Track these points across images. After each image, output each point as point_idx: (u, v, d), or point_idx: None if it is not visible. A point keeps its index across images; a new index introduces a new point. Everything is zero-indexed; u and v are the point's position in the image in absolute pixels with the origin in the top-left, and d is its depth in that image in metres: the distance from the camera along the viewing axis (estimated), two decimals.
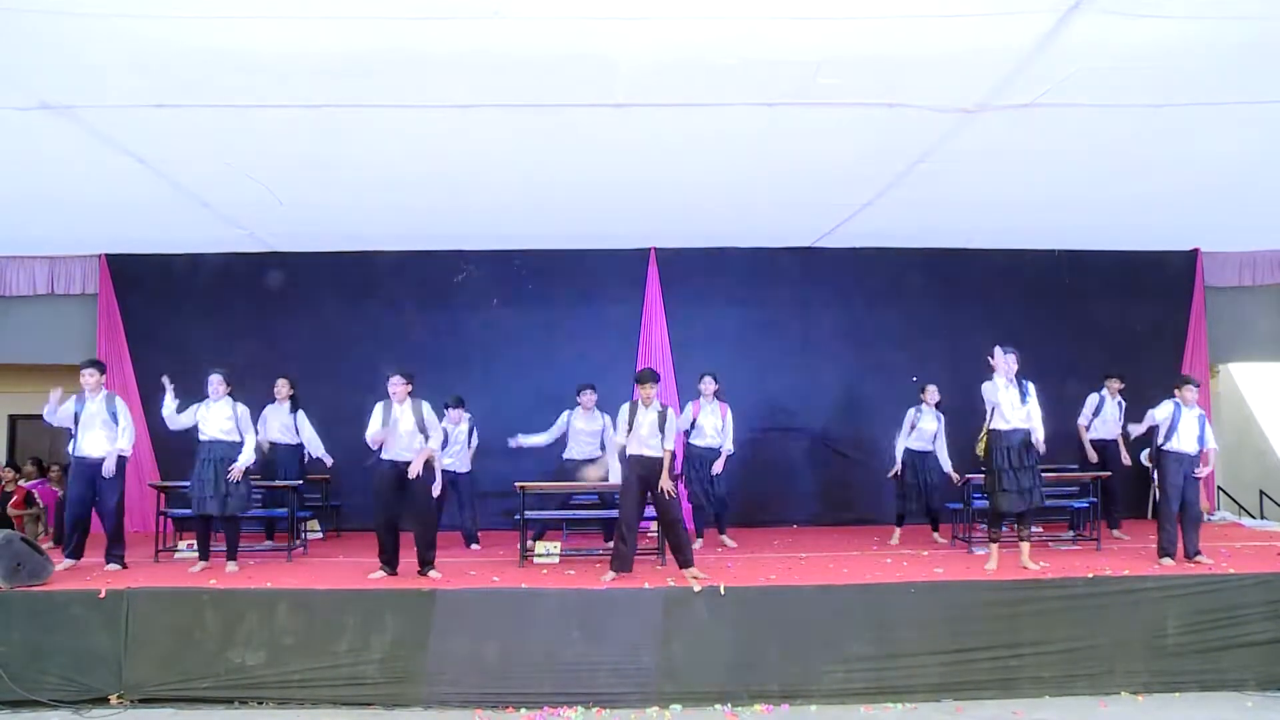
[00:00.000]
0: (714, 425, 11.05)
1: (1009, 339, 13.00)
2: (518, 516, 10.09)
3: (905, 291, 13.37)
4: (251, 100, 7.85)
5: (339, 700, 8.15)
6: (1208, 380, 13.92)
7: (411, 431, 9.22)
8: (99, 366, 9.90)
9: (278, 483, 10.88)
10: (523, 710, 8.02)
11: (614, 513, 10.43)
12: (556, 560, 9.92)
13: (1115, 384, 11.93)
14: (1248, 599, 8.64)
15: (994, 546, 9.52)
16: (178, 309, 12.99)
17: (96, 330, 13.04)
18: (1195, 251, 13.76)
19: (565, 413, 11.10)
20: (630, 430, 9.22)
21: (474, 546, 11.13)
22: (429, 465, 9.29)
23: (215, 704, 8.17)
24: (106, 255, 13.05)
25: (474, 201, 10.81)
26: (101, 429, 9.61)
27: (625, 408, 9.33)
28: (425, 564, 9.17)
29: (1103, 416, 11.83)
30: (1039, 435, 9.31)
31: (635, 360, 12.98)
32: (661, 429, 9.17)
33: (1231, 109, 8.23)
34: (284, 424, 11.37)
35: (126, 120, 8.25)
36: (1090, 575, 8.75)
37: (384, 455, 9.22)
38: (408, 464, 9.13)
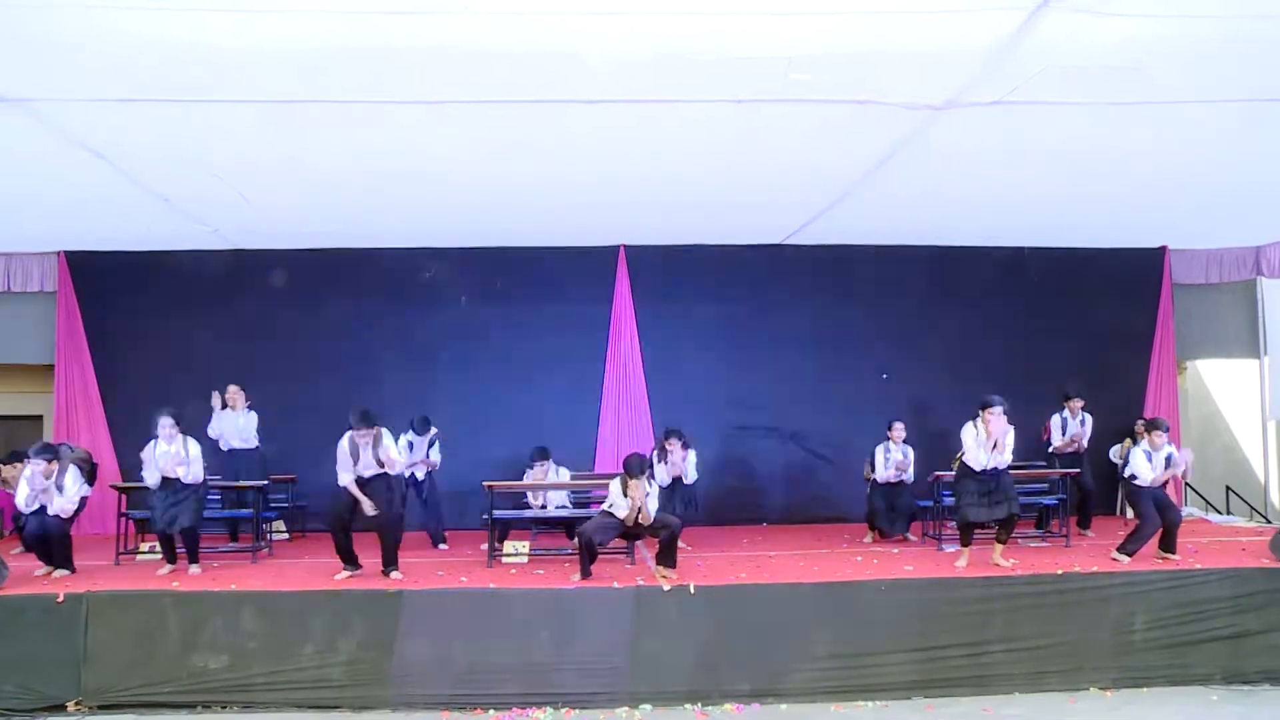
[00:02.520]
0: (680, 471, 11.12)
1: (977, 336, 13.19)
2: (485, 516, 10.06)
3: (875, 289, 13.43)
4: (214, 95, 7.76)
5: (304, 704, 8.11)
6: (1174, 376, 14.07)
7: (370, 464, 9.09)
8: (48, 457, 9.48)
9: (242, 483, 10.78)
10: (491, 711, 8.01)
11: (583, 512, 10.48)
12: (525, 560, 9.90)
13: (1077, 404, 11.98)
14: (1214, 594, 8.78)
15: (964, 549, 9.59)
16: (139, 307, 12.85)
17: (55, 329, 12.89)
18: (1163, 249, 13.89)
19: (527, 472, 11.07)
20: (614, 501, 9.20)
21: (441, 547, 11.09)
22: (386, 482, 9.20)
23: (178, 709, 8.10)
24: (65, 252, 12.89)
25: (442, 198, 10.77)
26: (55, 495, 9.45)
27: (615, 485, 9.20)
28: (389, 564, 9.13)
29: (1069, 438, 11.93)
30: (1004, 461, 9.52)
31: (605, 358, 13.01)
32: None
33: (1199, 107, 8.30)
34: (241, 430, 11.25)
35: (85, 114, 8.13)
36: (1060, 572, 8.83)
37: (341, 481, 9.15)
38: (367, 481, 9.09)
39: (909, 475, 11.27)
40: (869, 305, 13.41)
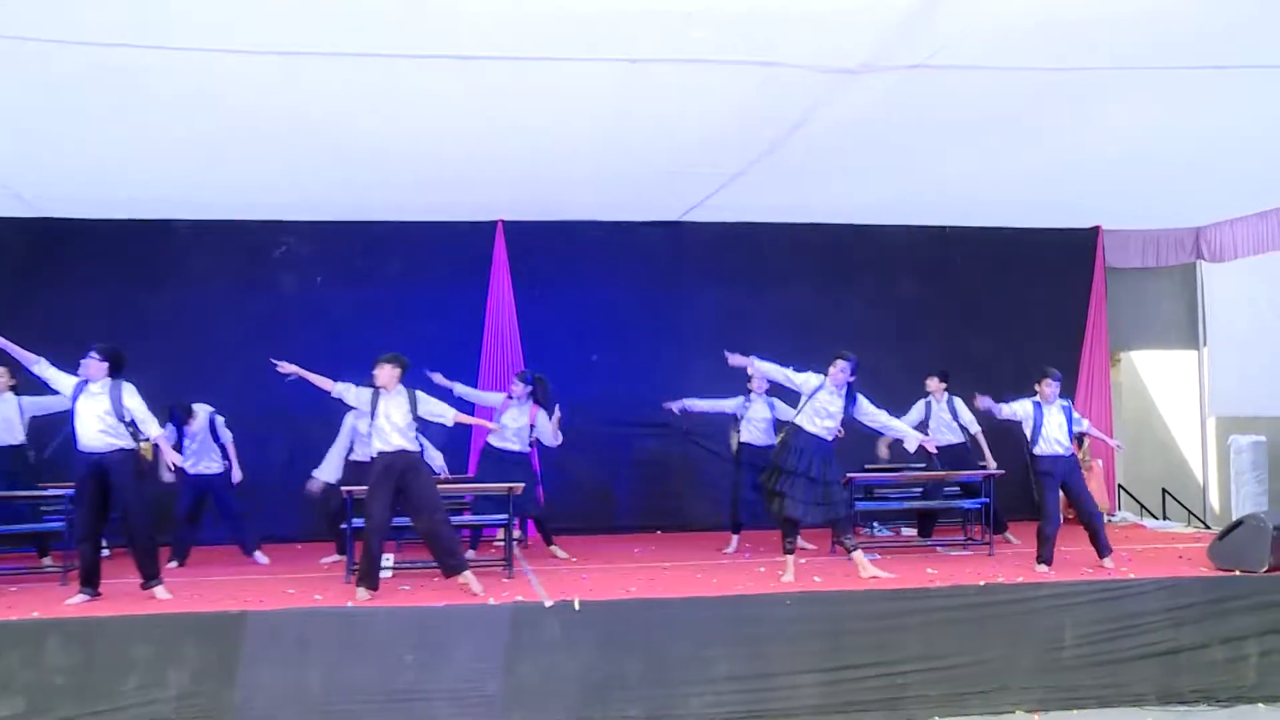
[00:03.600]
0: (518, 427, 11.12)
1: (893, 322, 13.44)
2: (345, 525, 9.99)
3: (782, 271, 13.65)
4: (19, 31, 7.42)
5: None
6: (1107, 369, 14.51)
7: (103, 416, 8.71)
8: None
9: (50, 491, 10.23)
10: None
11: (482, 519, 10.64)
12: (389, 574, 9.84)
13: (934, 383, 12.07)
14: (1148, 606, 9.07)
15: (789, 558, 9.67)
16: None
17: None
18: (1096, 230, 14.35)
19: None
20: (373, 419, 9.15)
21: (258, 558, 10.97)
22: (139, 462, 8.97)
23: None
24: None
25: (294, 165, 10.63)
26: None
27: (365, 392, 9.27)
28: (147, 579, 8.90)
29: (934, 424, 11.92)
30: (905, 437, 9.79)
31: (480, 346, 13.02)
32: (414, 412, 9.16)
33: (1133, 75, 8.54)
34: (5, 419, 10.61)
35: None
36: (982, 583, 9.08)
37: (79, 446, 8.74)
38: (100, 456, 8.73)
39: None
40: (776, 288, 13.62)
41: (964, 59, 8.10)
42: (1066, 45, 7.93)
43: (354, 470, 10.57)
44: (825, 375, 9.62)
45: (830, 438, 9.65)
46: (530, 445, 11.23)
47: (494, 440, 11.09)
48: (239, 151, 10.21)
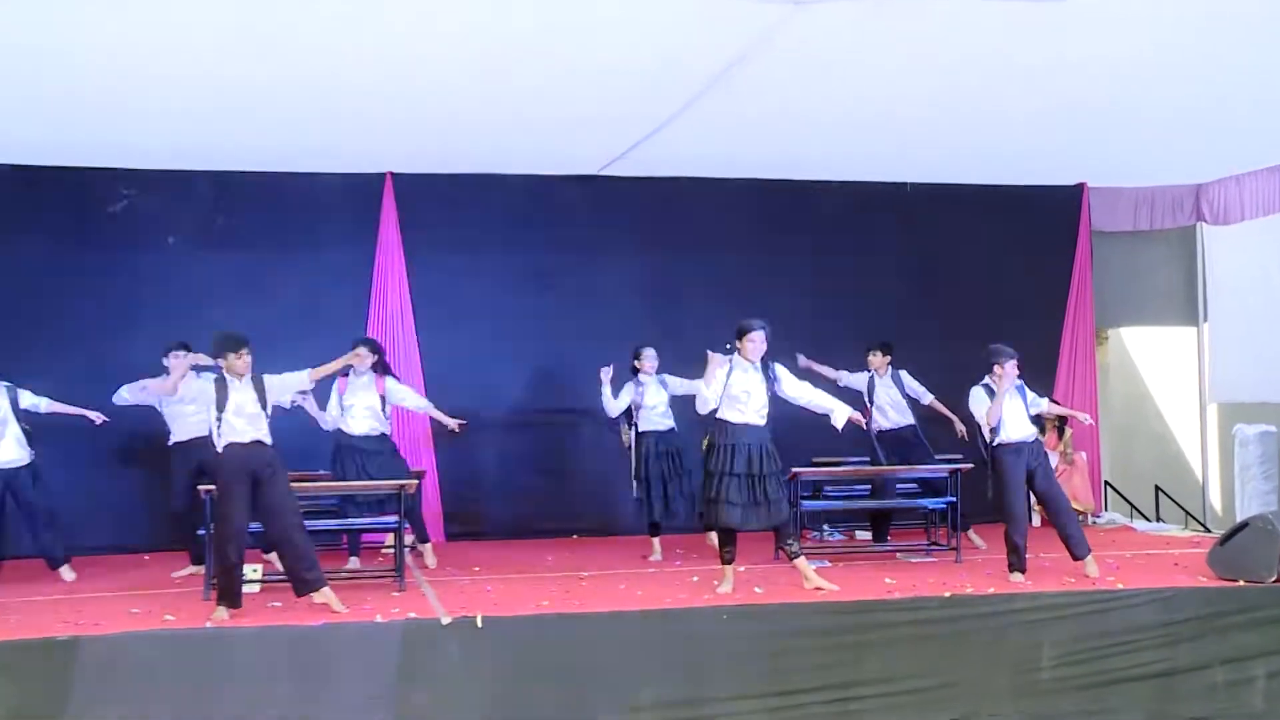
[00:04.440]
0: (366, 405, 11.07)
1: (845, 292, 13.54)
2: (201, 531, 9.90)
3: (716, 233, 13.74)
4: None
5: None
6: (1092, 348, 14.73)
7: None
8: None
9: None
10: None
11: (356, 522, 10.61)
12: (258, 589, 9.79)
13: (877, 358, 12.14)
14: (1139, 621, 9.22)
15: (727, 567, 9.74)
16: None
17: None
18: (1080, 187, 14.55)
19: None
20: (220, 411, 9.05)
21: (64, 574, 10.79)
22: None
23: None
24: None
25: (138, 102, 10.46)
26: None
27: (200, 384, 9.30)
28: None
29: (878, 404, 12.05)
30: (831, 411, 9.77)
31: (366, 317, 12.97)
32: (263, 403, 9.12)
33: (1123, 3, 8.63)
34: None
35: None
36: (948, 595, 9.22)
37: None
38: None
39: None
40: (708, 252, 13.72)
41: None
42: None
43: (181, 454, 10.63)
44: (729, 354, 9.62)
45: (763, 422, 9.67)
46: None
47: (344, 426, 11.04)
48: (64, 81, 9.89)
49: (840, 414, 9.77)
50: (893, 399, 12.09)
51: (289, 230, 12.98)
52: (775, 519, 9.58)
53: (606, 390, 11.70)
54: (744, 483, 9.48)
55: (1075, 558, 10.16)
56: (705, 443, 9.86)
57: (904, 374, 12.16)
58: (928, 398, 12.14)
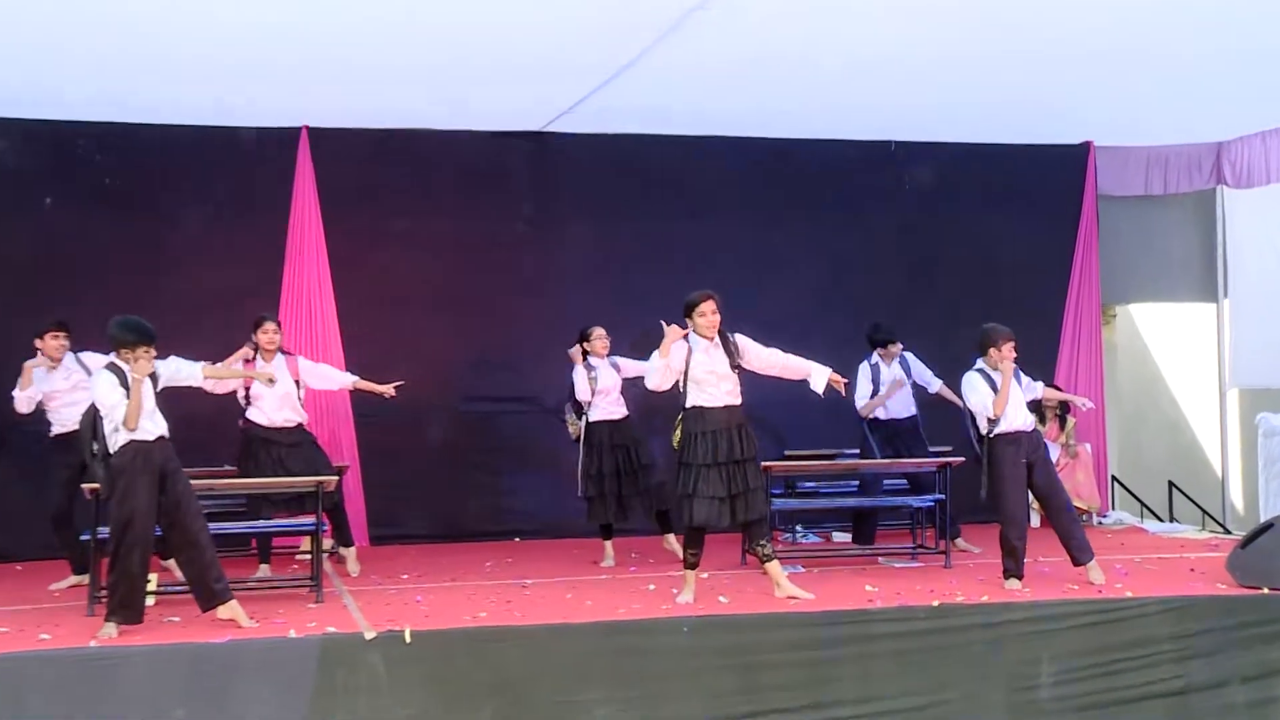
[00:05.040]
0: (280, 392, 10.93)
1: (822, 263, 13.55)
2: (85, 536, 9.79)
3: (680, 197, 13.76)
4: None
5: None
6: (1098, 326, 14.79)
7: None
8: None
9: None
10: None
11: (268, 524, 10.55)
12: (152, 601, 9.68)
13: (896, 348, 12.16)
14: (1151, 633, 9.23)
15: (690, 573, 9.68)
16: None
17: None
18: (1086, 146, 14.61)
19: None
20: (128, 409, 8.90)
21: None
22: None
23: None
24: None
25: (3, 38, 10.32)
26: None
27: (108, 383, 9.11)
28: None
29: (885, 392, 12.07)
30: (809, 374, 9.70)
31: (279, 292, 12.90)
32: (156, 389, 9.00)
33: None
34: None
35: None
36: (936, 604, 9.20)
37: None
38: None
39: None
40: (668, 218, 13.73)
41: None
42: None
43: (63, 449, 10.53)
44: (685, 334, 9.55)
45: (738, 401, 9.63)
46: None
47: (254, 416, 10.95)
48: None
49: (819, 376, 9.69)
50: (891, 381, 12.09)
51: (186, 191, 12.90)
52: (753, 511, 9.54)
53: (581, 372, 11.62)
54: (722, 473, 9.43)
55: (1076, 563, 10.16)
56: (676, 433, 9.76)
57: (911, 357, 12.18)
58: (936, 385, 12.14)
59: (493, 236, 13.48)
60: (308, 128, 13.04)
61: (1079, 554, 10.14)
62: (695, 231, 13.71)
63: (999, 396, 10.06)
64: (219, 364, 9.67)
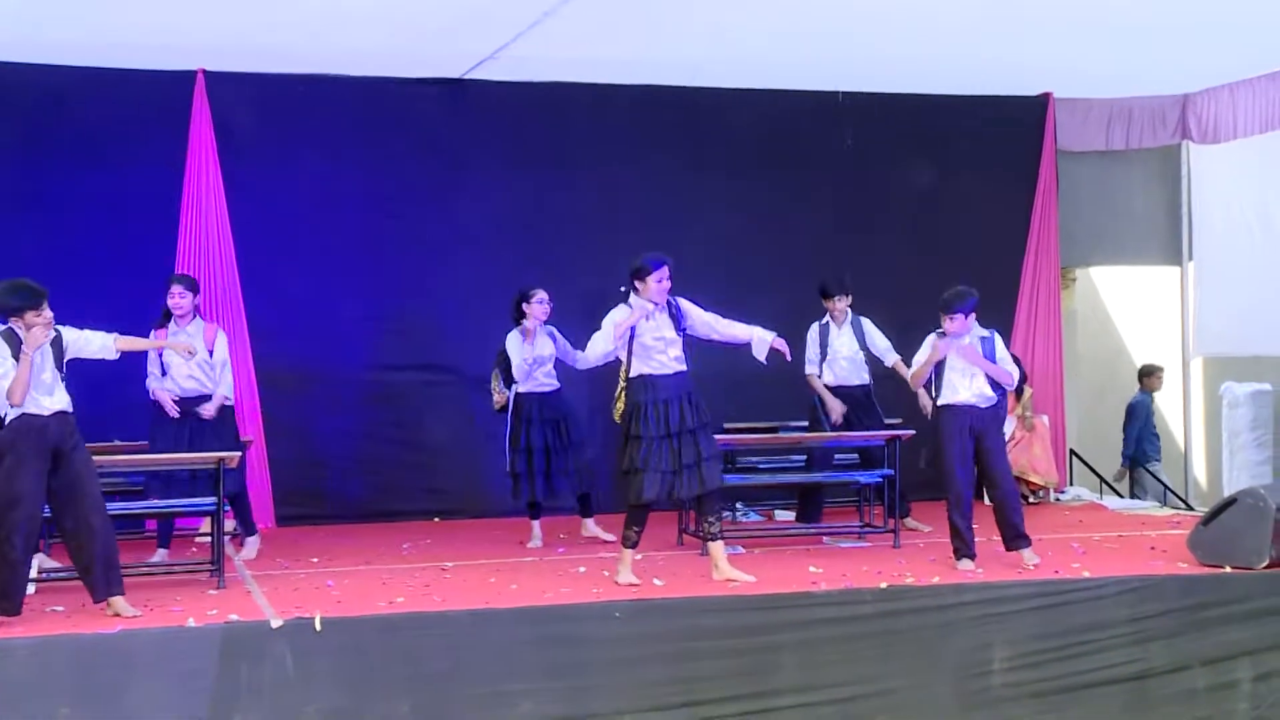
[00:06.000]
0: (199, 360, 10.79)
1: (761, 222, 13.58)
2: None
3: (607, 150, 13.80)
4: None
5: None
6: (1057, 290, 14.92)
7: None
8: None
9: None
10: None
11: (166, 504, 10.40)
12: (33, 589, 9.59)
13: (839, 304, 12.02)
14: (1108, 615, 9.35)
15: (627, 552, 9.74)
16: None
17: None
18: (1045, 98, 14.70)
19: None
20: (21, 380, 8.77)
21: None
22: None
23: None
24: None
25: None
26: None
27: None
28: None
29: (832, 354, 12.01)
30: (751, 339, 9.81)
31: (175, 245, 12.77)
32: (60, 364, 8.92)
33: None
34: None
35: None
36: (883, 586, 9.28)
37: None
38: None
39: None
40: (594, 171, 13.76)
41: None
42: None
43: None
44: (627, 299, 9.63)
45: (685, 368, 9.67)
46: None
47: (156, 385, 10.84)
48: None
49: (760, 342, 9.80)
50: (849, 352, 12.05)
51: (73, 143, 12.71)
52: (708, 482, 9.58)
53: (516, 338, 11.53)
54: (674, 444, 9.47)
55: (1008, 549, 10.25)
56: (618, 405, 9.75)
57: (867, 322, 12.11)
58: (892, 357, 11.98)
59: (406, 189, 13.45)
60: (204, 71, 12.91)
61: (1010, 541, 10.22)
62: (621, 184, 13.77)
63: (917, 368, 10.31)
64: (130, 338, 9.52)
